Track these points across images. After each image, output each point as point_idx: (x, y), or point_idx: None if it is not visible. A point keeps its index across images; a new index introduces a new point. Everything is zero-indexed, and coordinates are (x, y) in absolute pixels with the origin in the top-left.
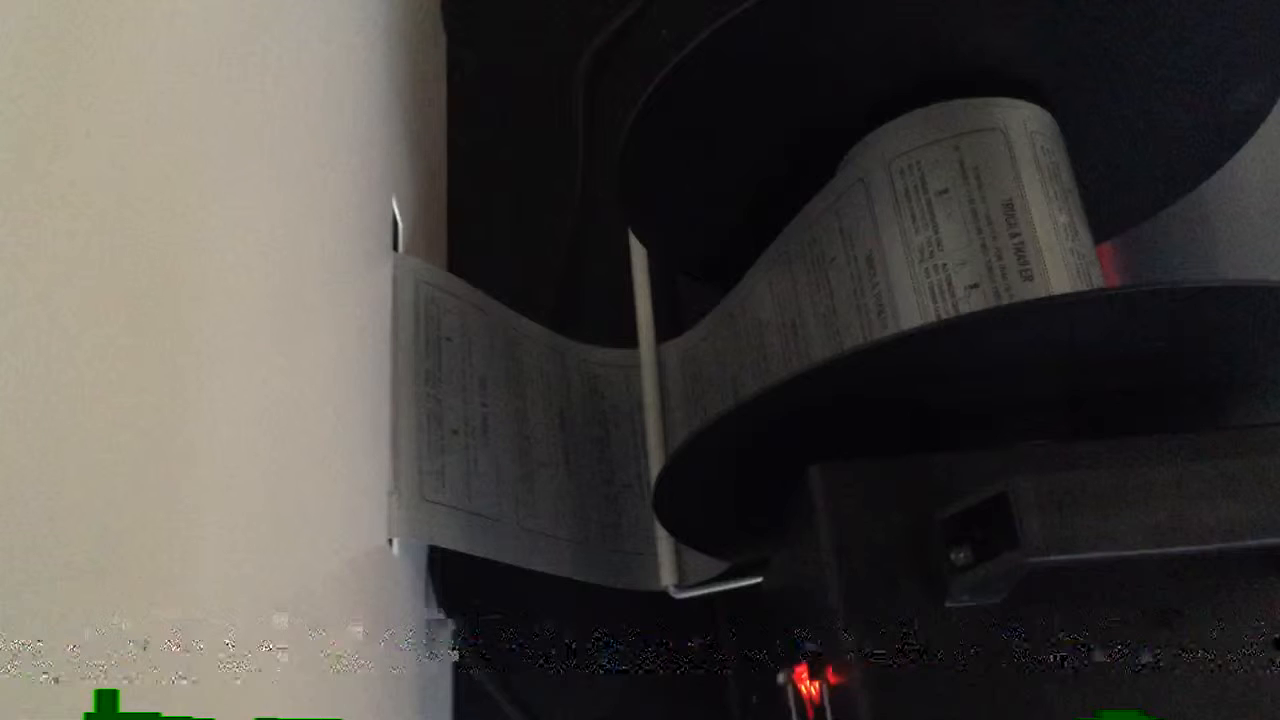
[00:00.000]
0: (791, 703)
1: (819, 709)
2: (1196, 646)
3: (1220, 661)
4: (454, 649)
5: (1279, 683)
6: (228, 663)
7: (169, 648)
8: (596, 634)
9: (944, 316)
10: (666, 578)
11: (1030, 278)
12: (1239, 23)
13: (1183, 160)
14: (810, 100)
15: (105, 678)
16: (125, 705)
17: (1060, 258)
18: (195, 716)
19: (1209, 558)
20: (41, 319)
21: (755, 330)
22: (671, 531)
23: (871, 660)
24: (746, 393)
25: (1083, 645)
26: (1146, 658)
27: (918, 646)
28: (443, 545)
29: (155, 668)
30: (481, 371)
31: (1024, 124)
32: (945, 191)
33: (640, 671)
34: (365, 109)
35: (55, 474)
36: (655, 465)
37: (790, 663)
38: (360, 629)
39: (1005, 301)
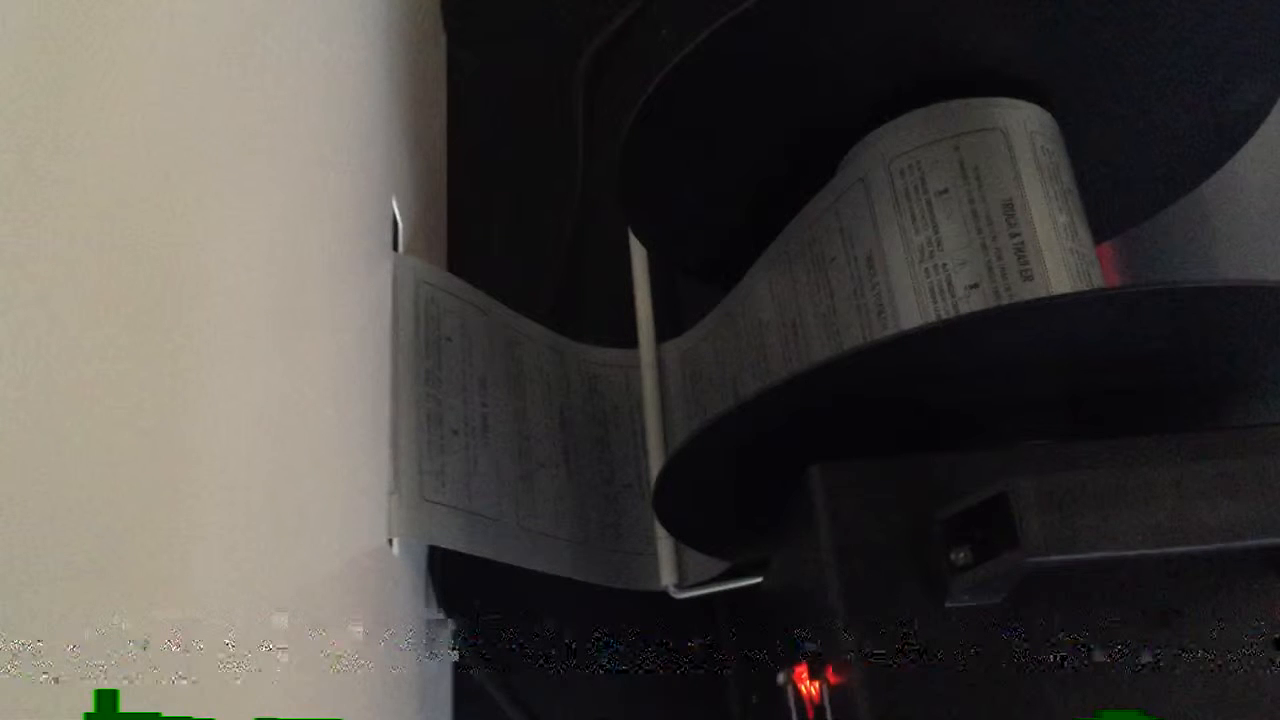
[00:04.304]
0: (791, 703)
1: (819, 709)
2: (1196, 646)
3: (1220, 661)
4: (454, 649)
5: (1279, 683)
6: (228, 663)
7: (169, 648)
8: (596, 634)
9: (944, 316)
10: (666, 578)
11: (1030, 278)
12: (1239, 23)
13: (1183, 160)
14: (810, 100)
15: (105, 678)
16: (125, 705)
17: (1060, 258)
18: (195, 716)
19: (1209, 558)
20: (41, 319)
21: (755, 330)
22: (671, 531)
23: (871, 660)
24: (746, 393)
25: (1083, 645)
26: (1146, 658)
27: (918, 646)
28: (443, 545)
29: (155, 668)
30: (481, 371)
31: (1024, 124)
32: (945, 191)
33: (640, 671)
34: (365, 109)
35: (55, 474)
36: (655, 465)
37: (790, 663)
38: (360, 629)
39: (1005, 301)
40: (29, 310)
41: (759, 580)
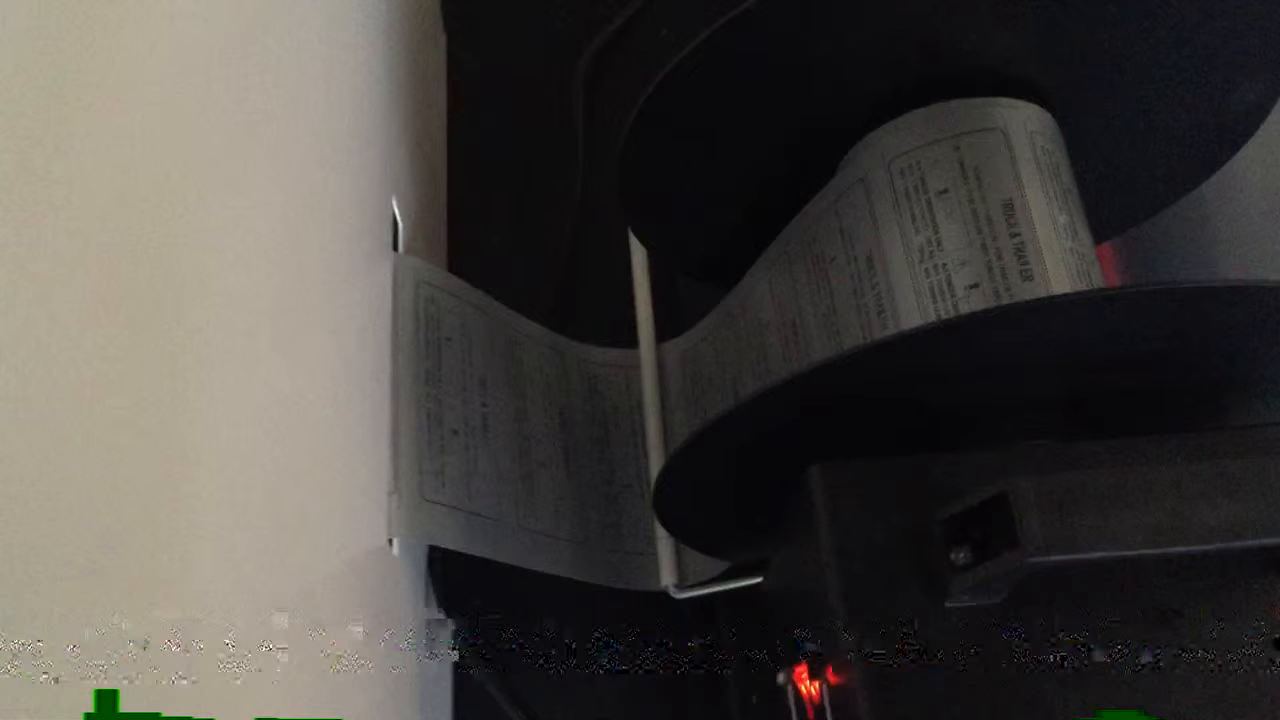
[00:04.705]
0: (791, 703)
1: (819, 709)
2: (1196, 646)
3: (1220, 661)
4: (454, 649)
5: (1279, 683)
6: (228, 663)
7: (169, 648)
8: (596, 634)
9: (944, 316)
10: (666, 578)
11: (1030, 278)
12: (1239, 23)
13: (1183, 160)
14: (810, 100)
15: (105, 678)
16: (125, 705)
17: (1060, 258)
18: (195, 716)
19: (1209, 558)
20: (41, 319)
21: (755, 330)
22: (671, 531)
23: (871, 660)
24: (746, 393)
25: (1083, 645)
26: (1146, 658)
27: (918, 646)
28: (443, 545)
29: (155, 668)
30: (481, 371)
31: (1024, 124)
32: (945, 191)
33: (640, 671)
34: (365, 109)
35: (55, 474)
36: (655, 465)
37: (790, 663)
38: (360, 629)
39: (1005, 301)
40: (29, 310)
41: (759, 580)
